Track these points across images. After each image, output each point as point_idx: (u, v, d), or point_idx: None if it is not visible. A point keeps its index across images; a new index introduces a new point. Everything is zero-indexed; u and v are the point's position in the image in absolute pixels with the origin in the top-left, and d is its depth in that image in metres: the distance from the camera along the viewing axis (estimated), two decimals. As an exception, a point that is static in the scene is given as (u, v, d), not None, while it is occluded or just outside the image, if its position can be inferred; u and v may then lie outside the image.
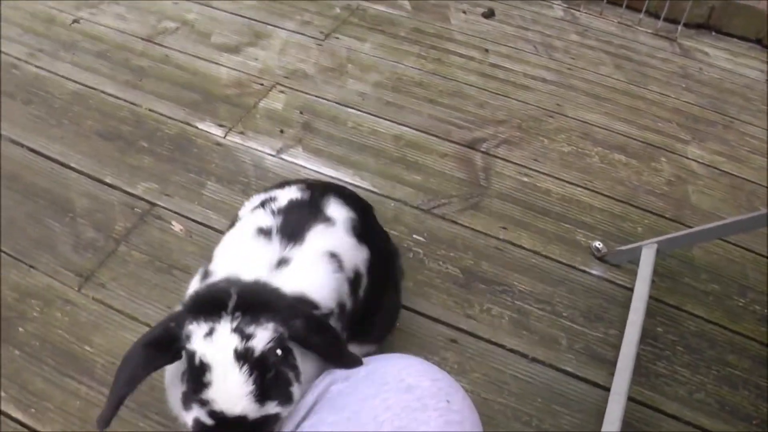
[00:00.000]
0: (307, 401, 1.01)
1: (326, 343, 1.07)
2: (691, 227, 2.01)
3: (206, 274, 1.18)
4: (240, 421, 0.96)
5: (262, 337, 0.98)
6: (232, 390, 0.95)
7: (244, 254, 1.21)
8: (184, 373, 0.99)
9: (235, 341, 0.96)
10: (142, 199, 2.00)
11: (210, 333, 0.98)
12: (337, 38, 2.80)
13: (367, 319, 1.39)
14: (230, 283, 1.10)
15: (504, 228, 1.98)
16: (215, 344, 0.97)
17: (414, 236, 1.93)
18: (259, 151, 2.19)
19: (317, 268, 1.20)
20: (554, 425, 1.56)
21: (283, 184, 1.40)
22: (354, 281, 1.28)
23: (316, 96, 2.46)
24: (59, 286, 1.76)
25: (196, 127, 2.27)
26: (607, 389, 1.60)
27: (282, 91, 2.47)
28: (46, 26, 2.76)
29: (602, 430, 1.47)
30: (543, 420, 1.57)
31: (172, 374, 1.06)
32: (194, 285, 1.19)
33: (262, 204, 1.30)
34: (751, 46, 3.13)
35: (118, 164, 2.11)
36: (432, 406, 0.94)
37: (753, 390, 1.67)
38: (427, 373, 0.99)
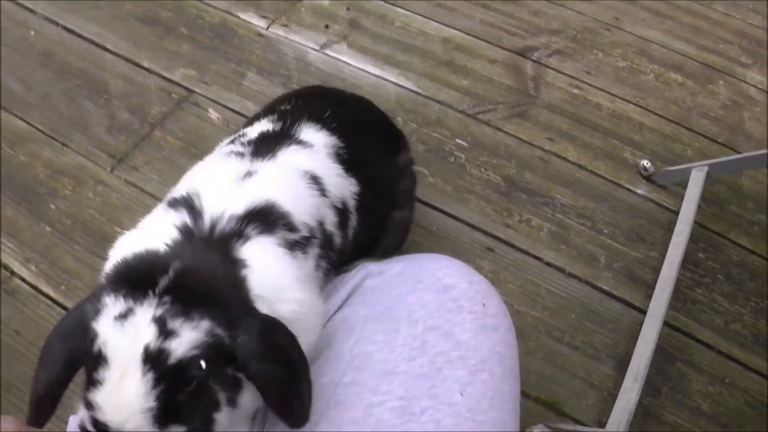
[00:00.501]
0: (340, 295, 0.98)
1: (277, 377, 0.77)
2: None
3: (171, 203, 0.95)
4: None
5: (187, 338, 0.73)
6: (125, 400, 0.71)
7: (208, 172, 1.05)
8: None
9: (149, 335, 0.72)
10: (180, 85, 1.95)
11: (123, 315, 0.74)
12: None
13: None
14: (173, 253, 0.84)
15: (550, 139, 1.91)
16: (124, 332, 0.73)
17: (457, 140, 1.87)
18: (302, 45, 2.12)
19: (291, 180, 1.01)
20: (586, 342, 1.53)
21: (251, 119, 1.27)
22: (342, 213, 1.08)
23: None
24: (92, 166, 1.74)
25: (238, 17, 2.19)
26: (642, 311, 1.56)
27: (329, -16, 2.37)
28: None
29: (635, 350, 1.44)
30: (575, 336, 1.53)
31: None
32: (157, 217, 0.97)
33: (232, 141, 1.14)
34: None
35: (156, 49, 2.06)
36: (467, 309, 0.90)
37: (792, 325, 1.62)
38: (465, 274, 0.96)
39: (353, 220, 1.11)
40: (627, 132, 1.98)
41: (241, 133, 1.16)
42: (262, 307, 0.82)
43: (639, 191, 1.82)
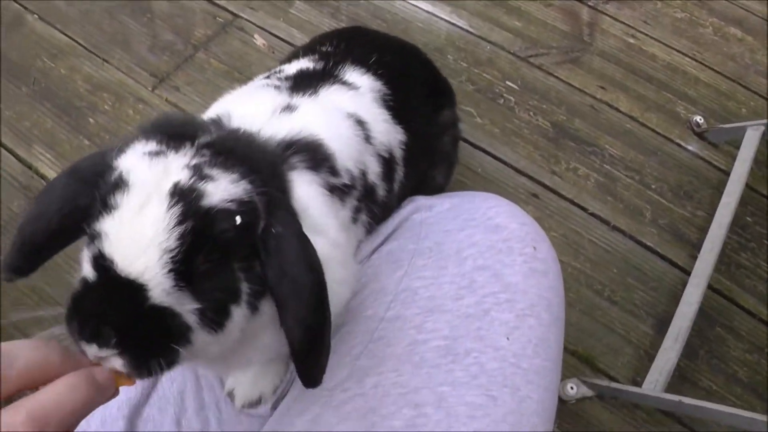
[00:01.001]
0: (387, 226, 0.95)
1: (302, 296, 0.65)
2: (802, 115, 1.85)
3: None
4: (130, 290, 0.58)
5: (225, 187, 0.62)
6: (141, 231, 0.58)
7: (242, 100, 0.94)
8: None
9: (182, 175, 0.61)
10: (226, 9, 1.90)
11: (154, 153, 0.63)
12: None
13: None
14: (215, 123, 0.79)
15: (602, 88, 1.85)
16: (152, 165, 0.62)
17: (507, 82, 1.82)
18: (353, -26, 2.06)
19: (336, 120, 0.90)
20: (625, 298, 1.49)
21: (289, 57, 1.17)
22: (388, 163, 0.97)
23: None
24: (132, 83, 1.72)
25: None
26: (685, 271, 1.52)
27: None
28: None
29: (677, 311, 1.40)
30: (615, 291, 1.50)
31: None
32: None
33: (267, 76, 1.04)
34: None
35: (203, -30, 2.01)
36: (518, 250, 0.87)
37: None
38: (516, 215, 0.92)
39: (400, 173, 1.02)
40: (681, 86, 1.91)
41: (276, 69, 1.07)
42: None
43: (690, 147, 1.77)
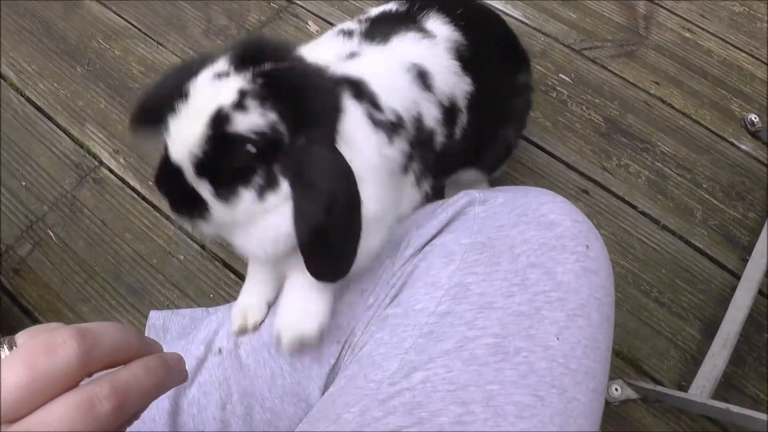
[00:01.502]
0: (440, 219, 0.94)
1: (318, 207, 0.80)
2: None
3: None
4: (175, 170, 0.81)
5: (252, 120, 0.78)
6: (183, 136, 0.80)
7: (314, 47, 1.00)
8: None
9: (227, 99, 0.77)
10: (281, -6, 1.91)
11: (219, 75, 0.79)
12: None
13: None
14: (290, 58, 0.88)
15: (656, 83, 1.82)
16: (212, 86, 0.79)
17: (560, 75, 1.80)
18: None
19: (392, 71, 0.98)
20: (673, 300, 1.47)
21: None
22: (450, 110, 1.03)
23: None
24: (187, 67, 1.73)
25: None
26: (735, 274, 1.49)
27: None
28: None
29: (726, 315, 1.38)
30: (663, 293, 1.48)
31: None
32: None
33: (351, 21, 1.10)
34: None
35: (260, -46, 2.02)
36: (570, 248, 0.86)
37: None
38: (569, 212, 0.91)
39: (462, 120, 1.07)
40: (736, 82, 1.87)
41: (365, 12, 1.12)
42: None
43: (743, 147, 1.73)
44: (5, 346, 0.51)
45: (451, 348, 0.80)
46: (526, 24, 1.91)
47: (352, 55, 0.97)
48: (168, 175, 0.83)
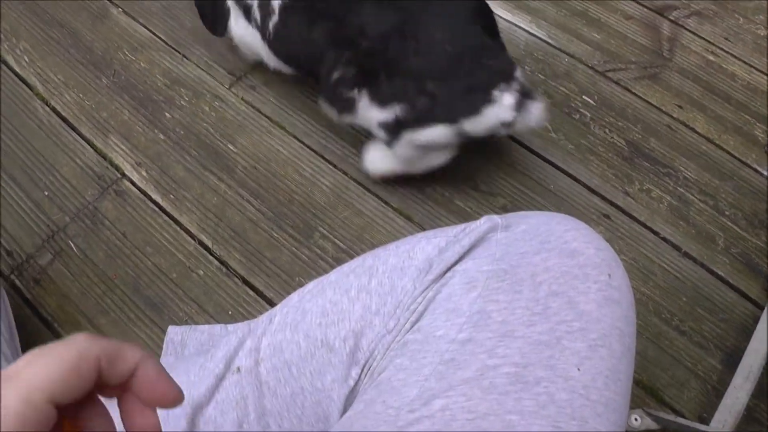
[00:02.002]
0: (462, 244, 0.93)
1: None
2: None
3: None
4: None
5: None
6: None
7: None
8: None
9: None
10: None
11: None
12: None
13: None
14: None
15: (679, 106, 1.81)
16: None
17: (584, 97, 1.79)
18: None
19: None
20: (695, 329, 1.46)
21: None
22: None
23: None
24: (210, 80, 1.74)
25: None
26: (758, 304, 1.48)
27: None
28: None
29: (749, 347, 1.36)
30: (684, 321, 1.47)
31: None
32: None
33: None
34: None
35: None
36: (593, 277, 0.85)
37: None
38: (592, 240, 0.90)
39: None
40: (760, 107, 1.86)
41: None
42: None
43: (766, 173, 1.72)
44: None
45: (471, 376, 0.80)
46: (550, 44, 1.91)
47: None
48: None
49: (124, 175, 1.58)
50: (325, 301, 0.95)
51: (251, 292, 1.44)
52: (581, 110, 1.76)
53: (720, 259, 1.55)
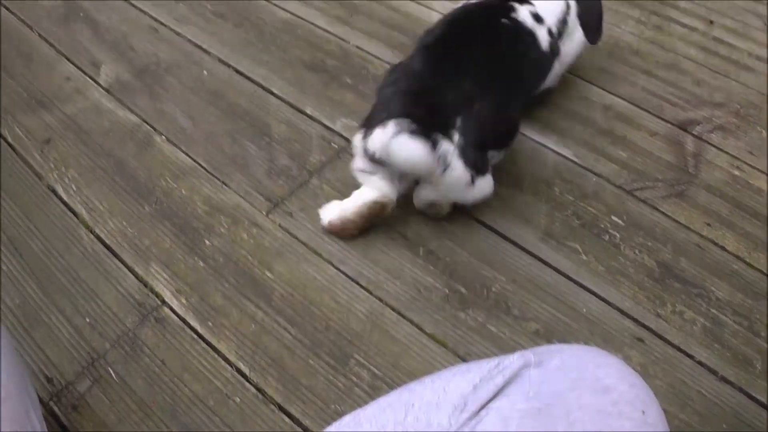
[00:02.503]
0: (496, 382, 0.95)
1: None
2: None
3: None
4: None
5: None
6: None
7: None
8: None
9: None
10: (340, 135, 1.99)
11: None
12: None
13: None
14: None
15: (708, 224, 1.83)
16: None
17: (612, 217, 1.82)
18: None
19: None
20: (736, 458, 1.44)
21: None
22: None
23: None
24: (248, 207, 1.80)
25: (401, 69, 2.23)
26: (800, 431, 1.46)
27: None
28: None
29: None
30: (725, 449, 1.45)
31: None
32: None
33: None
34: None
35: (320, 97, 2.11)
36: (627, 414, 0.86)
37: None
38: (626, 375, 0.92)
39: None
40: (788, 222, 1.88)
41: None
42: None
43: (800, 289, 1.72)
44: None
45: None
46: (578, 164, 1.95)
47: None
48: None
49: (164, 302, 1.62)
50: None
51: (287, 419, 1.45)
52: (611, 231, 1.79)
53: (758, 383, 1.54)
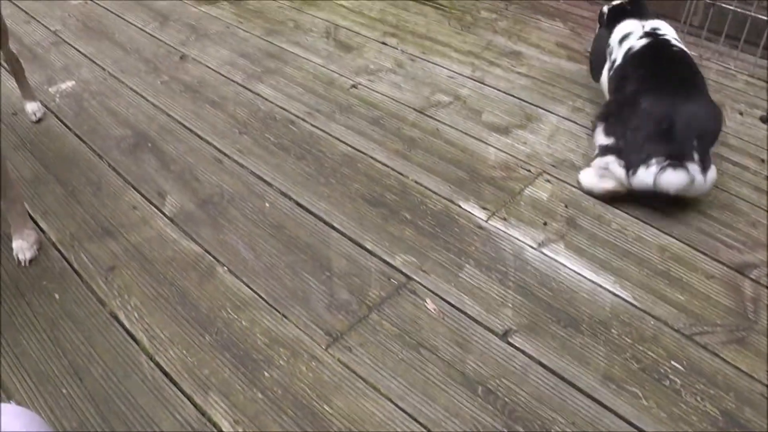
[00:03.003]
0: None
1: None
2: None
3: None
4: None
5: None
6: None
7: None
8: None
9: None
10: (400, 270, 2.03)
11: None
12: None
13: None
14: None
15: (771, 374, 1.80)
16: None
17: (672, 362, 1.80)
18: (520, 241, 2.16)
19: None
20: None
21: None
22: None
23: (582, 190, 2.40)
24: (308, 340, 1.81)
25: (460, 206, 2.28)
26: None
27: (548, 180, 2.43)
28: (326, 88, 2.95)
29: None
30: None
31: None
32: None
33: None
34: None
35: (380, 231, 2.17)
36: None
37: None
38: None
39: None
40: None
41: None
42: None
43: None
44: None
45: None
46: (636, 306, 1.95)
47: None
48: None
49: (221, 433, 1.62)
50: None
51: None
52: (671, 376, 1.76)
53: None
